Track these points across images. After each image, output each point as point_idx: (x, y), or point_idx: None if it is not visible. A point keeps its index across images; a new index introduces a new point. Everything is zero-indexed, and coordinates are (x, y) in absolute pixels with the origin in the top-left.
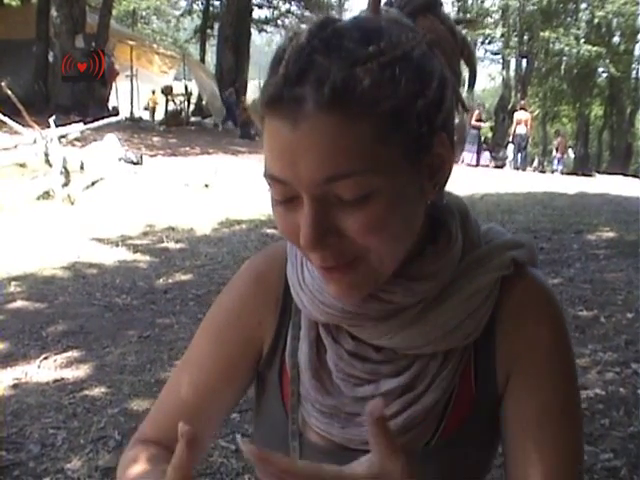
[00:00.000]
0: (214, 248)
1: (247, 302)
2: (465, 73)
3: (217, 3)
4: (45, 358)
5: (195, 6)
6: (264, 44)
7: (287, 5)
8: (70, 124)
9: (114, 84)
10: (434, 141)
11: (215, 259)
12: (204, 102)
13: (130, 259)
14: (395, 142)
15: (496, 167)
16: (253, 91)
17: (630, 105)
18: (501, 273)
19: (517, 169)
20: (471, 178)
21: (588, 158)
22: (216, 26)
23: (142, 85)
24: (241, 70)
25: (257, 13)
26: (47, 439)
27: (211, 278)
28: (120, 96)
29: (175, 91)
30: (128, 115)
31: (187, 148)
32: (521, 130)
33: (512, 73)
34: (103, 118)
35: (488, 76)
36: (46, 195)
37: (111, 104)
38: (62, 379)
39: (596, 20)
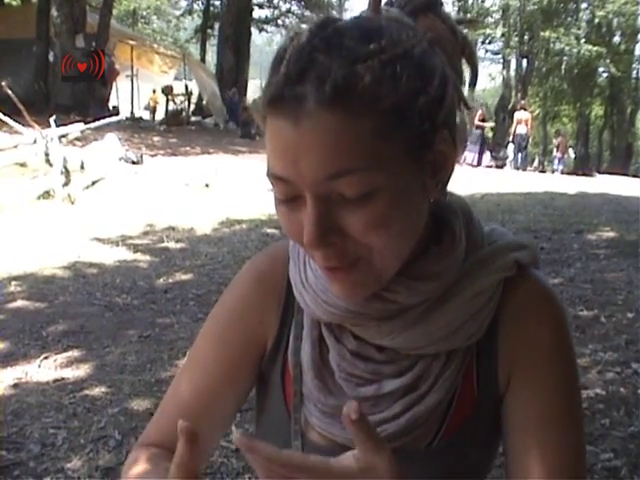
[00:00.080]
0: (214, 248)
1: (249, 302)
2: (467, 73)
3: (217, 3)
4: (45, 358)
5: (195, 6)
6: (264, 44)
7: (287, 5)
8: (70, 124)
9: (114, 84)
10: (436, 138)
11: (215, 259)
12: (204, 102)
13: (130, 259)
14: (397, 139)
15: (496, 167)
16: (254, 91)
17: (630, 105)
18: (504, 274)
19: (517, 169)
20: (471, 178)
21: (588, 158)
22: (216, 26)
23: (142, 85)
24: (241, 70)
25: (257, 13)
26: (47, 439)
27: (211, 278)
28: (120, 96)
29: (175, 91)
30: (128, 115)
31: (187, 148)
32: (521, 130)
33: (512, 73)
34: (103, 118)
35: (488, 76)
36: (46, 195)
37: (111, 104)
38: (62, 379)
39: (597, 20)
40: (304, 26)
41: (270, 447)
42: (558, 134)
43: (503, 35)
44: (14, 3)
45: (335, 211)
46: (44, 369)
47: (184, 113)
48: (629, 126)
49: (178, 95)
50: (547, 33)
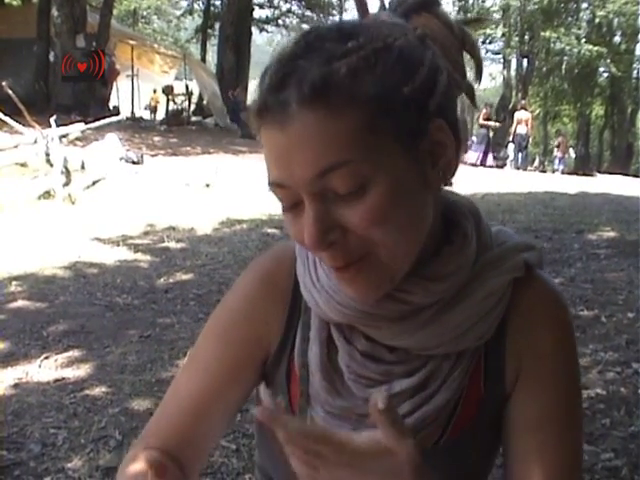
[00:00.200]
0: (215, 248)
1: (254, 302)
2: (470, 75)
3: (218, 3)
4: (46, 358)
5: (196, 6)
6: (265, 43)
7: (288, 5)
8: (71, 124)
9: (115, 84)
10: (430, 127)
11: (216, 259)
12: (205, 102)
13: (131, 259)
14: (384, 129)
15: (497, 167)
16: (254, 91)
17: (631, 105)
18: (514, 275)
19: (518, 169)
20: (472, 178)
21: (589, 158)
22: (217, 26)
23: (143, 85)
24: (242, 70)
25: (258, 12)
26: (48, 439)
27: (212, 278)
28: (121, 96)
29: (176, 91)
30: (129, 115)
31: (188, 148)
32: (522, 130)
33: (513, 73)
34: (104, 118)
35: (489, 76)
36: (47, 195)
37: (112, 104)
38: (63, 379)
39: (597, 20)
40: (304, 26)
41: (293, 419)
42: (559, 134)
43: (504, 35)
44: (15, 3)
45: (333, 209)
46: (44, 369)
47: (185, 113)
48: (630, 126)
49: (179, 95)
50: (548, 33)
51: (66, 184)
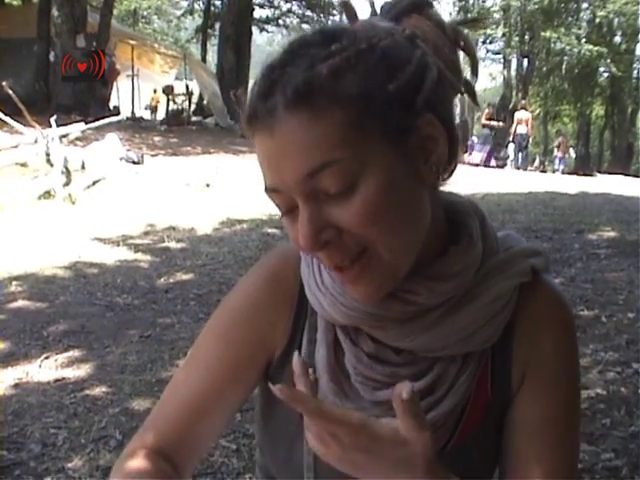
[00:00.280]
0: (215, 248)
1: (257, 302)
2: (467, 75)
3: (218, 3)
4: (46, 358)
5: (196, 6)
6: (265, 43)
7: (288, 5)
8: (71, 124)
9: (115, 84)
10: (419, 122)
11: (216, 259)
12: (205, 102)
13: (131, 259)
14: (370, 126)
15: (497, 167)
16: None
17: (631, 105)
18: (521, 280)
19: (518, 169)
20: (472, 178)
21: (589, 158)
22: (217, 26)
23: (143, 85)
24: (242, 70)
25: (258, 12)
26: (48, 439)
27: (212, 278)
28: (121, 96)
29: (176, 91)
30: (129, 115)
31: (188, 148)
32: (522, 130)
33: (513, 73)
34: (104, 118)
35: (489, 75)
36: (47, 195)
37: (112, 104)
38: (63, 379)
39: (597, 20)
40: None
41: (312, 399)
42: (559, 134)
43: (504, 35)
44: (15, 3)
45: (326, 209)
46: (45, 369)
47: (185, 113)
48: (630, 126)
49: (179, 95)
50: (548, 33)
51: (66, 184)
